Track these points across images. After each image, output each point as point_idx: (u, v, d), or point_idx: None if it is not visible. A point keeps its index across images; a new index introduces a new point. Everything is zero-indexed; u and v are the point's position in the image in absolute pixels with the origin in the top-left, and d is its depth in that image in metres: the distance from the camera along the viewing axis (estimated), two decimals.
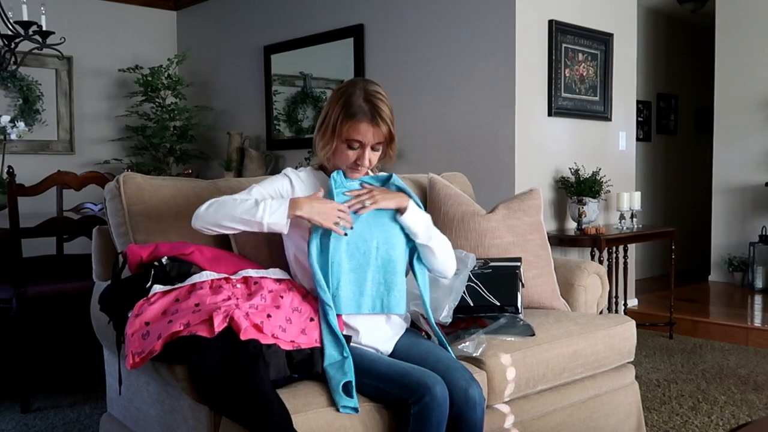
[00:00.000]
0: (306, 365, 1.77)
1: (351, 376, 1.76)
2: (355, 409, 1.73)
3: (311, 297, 1.91)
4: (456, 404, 1.75)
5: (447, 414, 1.73)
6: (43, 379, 3.49)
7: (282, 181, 2.02)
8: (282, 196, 1.99)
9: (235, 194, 1.94)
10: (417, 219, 1.97)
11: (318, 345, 1.79)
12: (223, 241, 2.20)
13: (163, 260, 1.81)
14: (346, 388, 1.74)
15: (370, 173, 2.10)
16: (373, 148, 1.96)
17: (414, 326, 2.16)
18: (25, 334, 3.10)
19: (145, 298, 1.74)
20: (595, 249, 4.02)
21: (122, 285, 1.84)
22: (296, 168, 2.12)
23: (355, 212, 1.90)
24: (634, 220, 4.50)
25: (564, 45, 4.36)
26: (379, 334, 1.95)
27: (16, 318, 3.09)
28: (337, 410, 1.72)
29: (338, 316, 1.89)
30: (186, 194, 2.24)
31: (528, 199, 2.75)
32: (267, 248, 2.19)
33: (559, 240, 4.12)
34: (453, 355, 1.95)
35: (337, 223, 1.83)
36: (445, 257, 2.06)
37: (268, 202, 1.83)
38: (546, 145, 4.33)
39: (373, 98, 1.92)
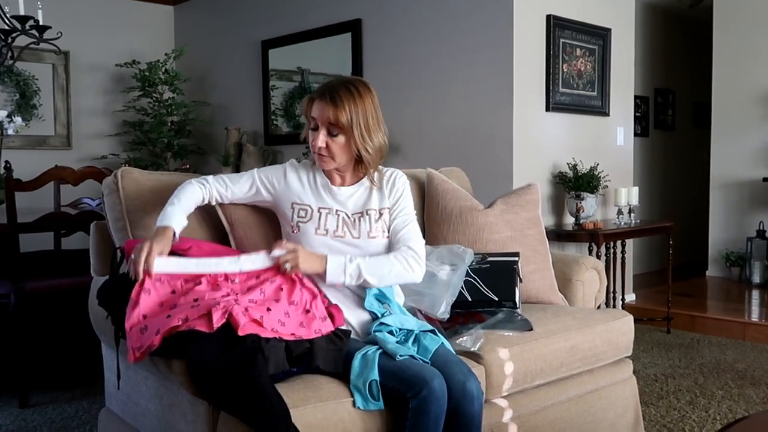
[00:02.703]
0: (305, 359, 1.77)
1: (376, 374, 1.76)
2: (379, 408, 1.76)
3: (306, 287, 1.90)
4: (454, 398, 1.76)
5: (445, 408, 1.74)
6: (42, 374, 3.49)
7: (278, 172, 2.11)
8: (274, 187, 2.10)
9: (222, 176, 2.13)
10: (337, 278, 1.93)
11: (319, 335, 1.79)
12: (221, 237, 2.20)
13: None
14: (369, 387, 1.75)
15: (374, 174, 2.10)
16: (330, 133, 1.97)
17: None
18: (23, 330, 3.10)
19: (138, 283, 1.73)
20: (592, 244, 4.02)
21: (120, 279, 1.83)
22: (299, 161, 2.17)
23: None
24: (632, 215, 4.50)
25: (562, 40, 4.36)
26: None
27: (14, 313, 3.09)
28: (354, 405, 1.75)
29: (339, 312, 1.91)
30: None
31: (526, 194, 2.75)
32: (265, 245, 2.19)
33: (557, 235, 4.12)
34: (451, 350, 1.96)
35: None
36: (389, 282, 2.01)
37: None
38: (544, 141, 4.33)
39: (340, 84, 1.98)
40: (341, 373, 1.80)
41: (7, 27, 4.09)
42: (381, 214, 2.09)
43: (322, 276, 1.92)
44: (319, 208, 2.06)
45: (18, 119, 4.13)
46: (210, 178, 2.12)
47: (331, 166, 2.05)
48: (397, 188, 2.13)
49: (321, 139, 1.98)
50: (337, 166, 2.05)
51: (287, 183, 2.09)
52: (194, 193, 2.05)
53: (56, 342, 3.65)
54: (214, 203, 2.13)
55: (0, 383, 3.40)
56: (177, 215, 1.92)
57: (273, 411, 1.57)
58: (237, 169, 5.47)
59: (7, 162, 3.22)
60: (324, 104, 1.95)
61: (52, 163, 3.84)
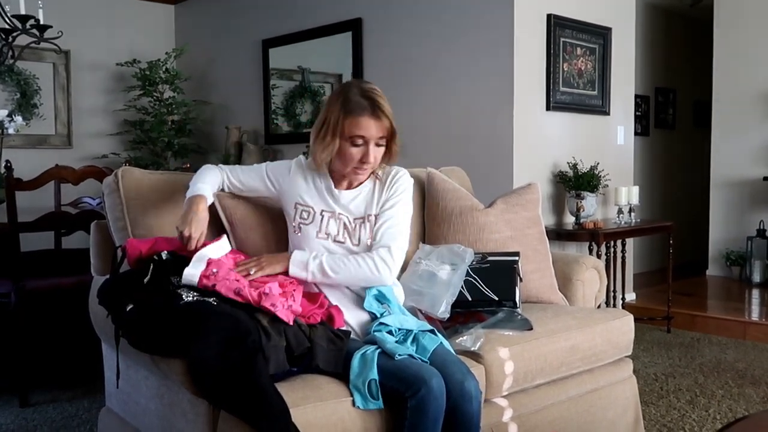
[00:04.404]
0: (305, 359, 1.77)
1: (375, 374, 1.76)
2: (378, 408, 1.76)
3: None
4: (452, 397, 1.76)
5: (444, 407, 1.74)
6: (42, 373, 3.50)
7: (284, 169, 2.12)
8: (279, 183, 2.10)
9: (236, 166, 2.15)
10: (299, 272, 1.95)
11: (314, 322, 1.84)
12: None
13: (163, 255, 1.82)
14: (369, 387, 1.76)
15: (380, 173, 2.13)
16: (376, 144, 1.98)
17: None
18: (24, 329, 3.11)
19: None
20: (593, 243, 4.02)
21: (121, 279, 1.84)
22: (306, 156, 2.15)
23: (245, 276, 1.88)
24: (632, 214, 4.50)
25: (562, 39, 4.36)
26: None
27: (15, 312, 3.09)
28: (353, 405, 1.75)
29: (340, 313, 1.92)
30: (184, 188, 2.22)
31: (526, 193, 2.75)
32: (265, 245, 2.20)
33: (557, 234, 4.12)
34: (451, 349, 1.96)
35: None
36: (355, 282, 2.02)
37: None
38: (544, 140, 4.33)
39: (370, 93, 1.95)
40: (341, 372, 1.80)
41: (7, 26, 4.09)
42: None
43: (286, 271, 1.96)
44: (322, 211, 2.06)
45: (18, 118, 4.13)
46: (225, 166, 2.15)
47: (367, 174, 2.06)
48: (396, 188, 2.13)
49: (374, 156, 1.99)
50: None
51: (292, 181, 2.09)
52: (216, 176, 2.11)
53: (57, 341, 3.65)
54: (226, 190, 2.16)
55: (0, 382, 3.41)
56: (207, 191, 2.01)
57: (273, 410, 1.58)
58: None
59: (7, 161, 3.22)
60: (373, 121, 1.95)
61: (52, 162, 3.84)
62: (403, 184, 2.16)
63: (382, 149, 2.00)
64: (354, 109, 1.92)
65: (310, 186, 2.08)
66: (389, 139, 1.99)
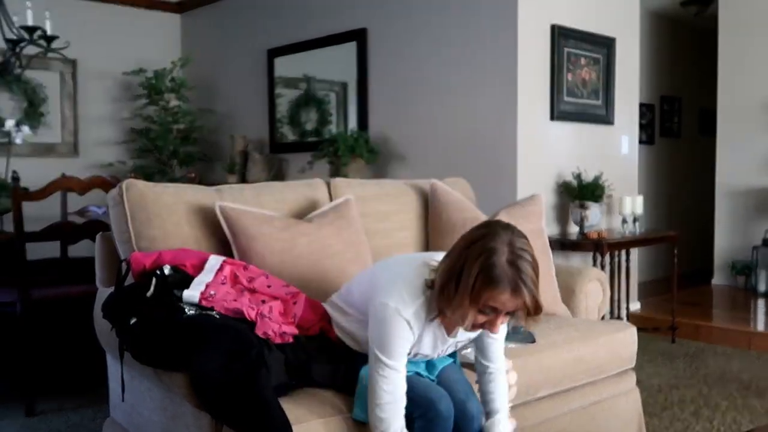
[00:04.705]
0: (302, 371, 1.78)
1: None
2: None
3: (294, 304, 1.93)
4: (453, 416, 1.76)
5: (451, 429, 1.74)
6: (48, 382, 3.51)
7: (407, 338, 1.72)
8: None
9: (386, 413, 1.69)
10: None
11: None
12: (223, 246, 2.21)
13: (165, 269, 1.83)
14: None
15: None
16: (506, 314, 1.66)
17: None
18: (30, 337, 3.12)
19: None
20: (597, 253, 4.02)
21: (124, 293, 1.85)
22: (399, 300, 1.71)
23: None
24: (637, 224, 4.50)
25: (566, 49, 4.37)
26: None
27: (21, 321, 3.11)
28: (351, 417, 1.76)
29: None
30: (188, 200, 2.25)
31: (529, 205, 2.76)
32: (267, 254, 2.21)
33: (562, 244, 4.12)
34: (458, 364, 1.96)
35: None
36: None
37: None
38: (548, 150, 4.33)
39: (518, 260, 1.58)
40: (339, 386, 1.81)
41: (15, 37, 4.12)
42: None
43: None
44: (423, 355, 1.86)
45: (26, 128, 4.16)
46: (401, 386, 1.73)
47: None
48: None
49: (501, 324, 1.67)
50: None
51: (415, 340, 1.76)
52: (400, 412, 1.73)
53: (63, 350, 3.66)
54: None
55: (6, 391, 3.42)
56: None
57: (275, 424, 1.59)
58: (243, 177, 5.48)
59: (14, 172, 3.24)
60: (513, 297, 1.59)
61: (59, 170, 3.87)
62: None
63: (511, 317, 1.69)
64: (496, 280, 1.57)
65: (424, 339, 1.78)
66: (530, 314, 1.63)
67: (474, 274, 1.58)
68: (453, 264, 1.63)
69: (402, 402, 1.69)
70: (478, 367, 1.91)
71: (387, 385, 1.67)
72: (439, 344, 1.82)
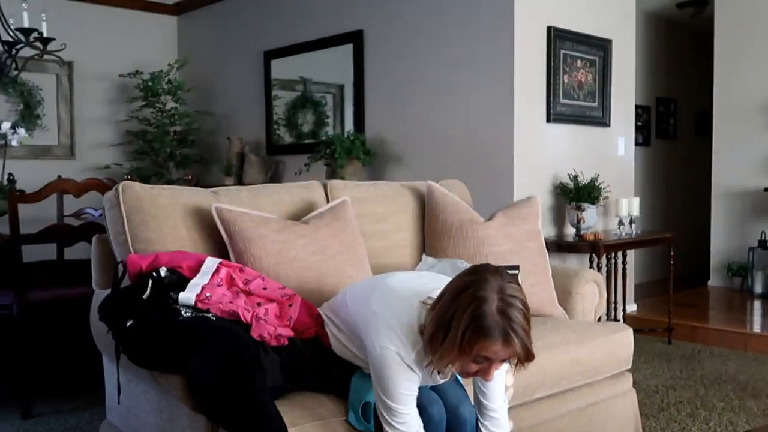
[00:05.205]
0: (298, 373, 1.78)
1: (371, 396, 1.73)
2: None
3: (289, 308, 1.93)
4: (446, 421, 1.77)
5: None
6: (44, 384, 3.50)
7: (411, 377, 1.69)
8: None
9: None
10: None
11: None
12: (220, 249, 2.21)
13: (162, 271, 1.83)
14: (363, 409, 1.75)
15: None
16: (500, 361, 1.61)
17: None
18: (26, 340, 3.12)
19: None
20: (593, 255, 4.02)
21: (120, 295, 1.85)
22: (400, 345, 1.69)
23: None
24: (633, 225, 4.51)
25: (563, 51, 4.37)
26: None
27: (17, 323, 3.10)
28: (345, 420, 1.76)
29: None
30: (184, 203, 2.25)
31: (526, 206, 2.76)
32: (263, 256, 2.21)
33: (558, 246, 4.13)
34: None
35: None
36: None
37: None
38: (545, 152, 4.34)
39: (508, 308, 1.54)
40: (334, 389, 1.81)
41: (11, 39, 4.12)
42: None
43: None
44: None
45: (22, 131, 4.15)
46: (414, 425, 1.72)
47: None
48: None
49: (495, 372, 1.64)
50: None
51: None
52: None
53: (59, 352, 3.66)
54: None
55: (3, 393, 3.42)
56: None
57: (271, 427, 1.58)
58: (239, 179, 5.48)
59: (10, 174, 3.24)
60: (505, 347, 1.55)
61: (55, 172, 3.87)
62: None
63: (505, 364, 1.65)
64: (487, 332, 1.52)
65: (418, 379, 1.74)
66: (521, 362, 1.59)
67: (464, 326, 1.53)
68: (442, 314, 1.58)
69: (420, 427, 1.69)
70: (479, 407, 1.85)
71: (404, 426, 1.66)
72: (437, 378, 1.80)
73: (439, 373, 1.75)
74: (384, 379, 1.66)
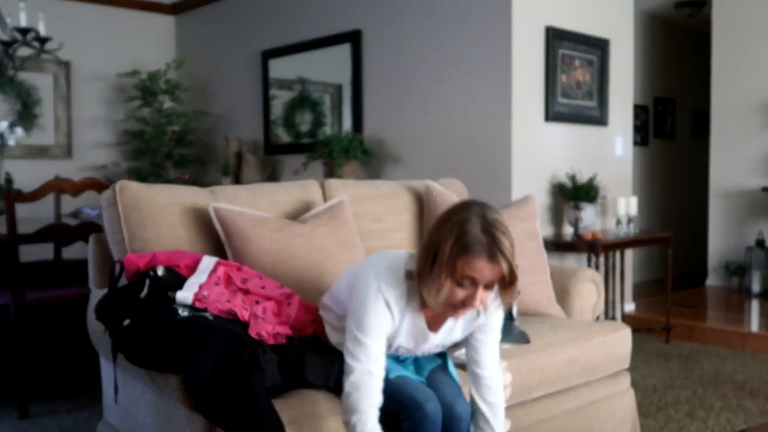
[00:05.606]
0: (296, 372, 1.78)
1: None
2: None
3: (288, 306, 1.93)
4: (442, 418, 1.76)
5: (439, 430, 1.74)
6: (41, 384, 3.50)
7: (387, 317, 1.72)
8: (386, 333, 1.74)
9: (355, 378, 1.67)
10: None
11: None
12: (218, 248, 2.21)
13: (159, 271, 1.82)
14: None
15: (482, 310, 1.76)
16: (486, 286, 1.62)
17: None
18: (23, 340, 3.11)
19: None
20: (591, 254, 4.02)
21: (118, 294, 1.85)
22: (382, 280, 1.72)
23: None
24: (631, 224, 4.51)
25: (560, 51, 4.37)
26: None
27: (15, 324, 3.10)
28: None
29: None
30: (182, 202, 2.25)
31: (524, 206, 2.76)
32: (260, 255, 2.20)
33: (556, 245, 4.13)
34: (451, 368, 1.95)
35: None
36: None
37: None
38: (543, 151, 4.34)
39: (492, 228, 1.59)
40: (332, 388, 1.80)
41: (8, 38, 4.11)
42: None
43: None
44: (405, 348, 1.84)
45: (19, 130, 4.15)
46: (373, 370, 1.70)
47: (465, 314, 1.74)
48: (490, 323, 1.85)
49: (481, 299, 1.63)
50: None
51: (395, 324, 1.75)
52: (376, 395, 1.70)
53: (56, 353, 3.65)
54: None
55: (0, 393, 3.41)
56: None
57: (268, 426, 1.58)
58: (237, 179, 5.48)
59: (7, 173, 3.23)
60: (490, 264, 1.57)
61: (52, 172, 3.86)
62: (496, 316, 1.84)
63: (491, 292, 1.65)
64: (470, 247, 1.56)
65: (402, 328, 1.76)
66: (505, 285, 1.63)
67: (449, 245, 1.58)
68: (430, 244, 1.65)
69: (373, 391, 1.67)
70: (472, 379, 1.85)
71: (358, 363, 1.67)
72: (420, 339, 1.80)
73: (429, 329, 1.77)
74: (359, 310, 1.71)
